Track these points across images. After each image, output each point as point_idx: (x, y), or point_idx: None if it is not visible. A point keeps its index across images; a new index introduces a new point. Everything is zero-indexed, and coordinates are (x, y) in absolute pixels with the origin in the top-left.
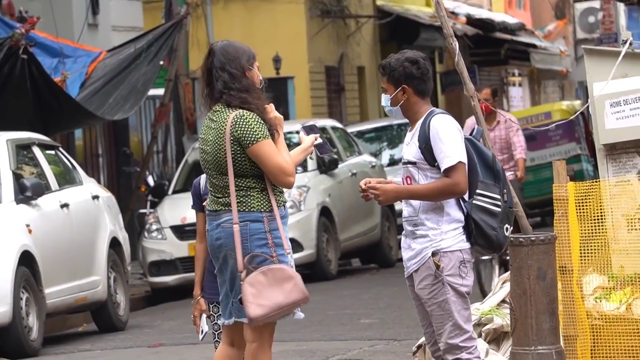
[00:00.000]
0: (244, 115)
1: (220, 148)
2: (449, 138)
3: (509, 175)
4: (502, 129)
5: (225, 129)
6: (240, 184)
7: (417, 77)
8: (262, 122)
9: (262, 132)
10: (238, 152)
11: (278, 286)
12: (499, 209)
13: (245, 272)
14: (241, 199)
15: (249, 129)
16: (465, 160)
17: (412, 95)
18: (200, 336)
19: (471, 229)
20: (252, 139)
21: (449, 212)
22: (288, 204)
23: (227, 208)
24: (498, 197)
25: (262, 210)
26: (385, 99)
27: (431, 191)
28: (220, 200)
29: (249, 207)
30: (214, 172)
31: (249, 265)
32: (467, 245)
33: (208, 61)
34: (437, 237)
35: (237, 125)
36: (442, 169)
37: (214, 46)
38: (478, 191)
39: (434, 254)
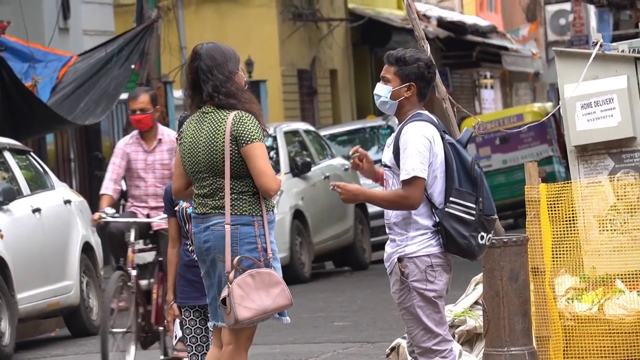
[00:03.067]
0: (242, 116)
1: (217, 148)
2: (412, 150)
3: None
4: (165, 151)
5: (222, 129)
6: (234, 187)
7: (427, 80)
8: (258, 125)
9: (258, 134)
10: (235, 152)
11: (265, 290)
12: (473, 218)
13: (233, 273)
14: (234, 202)
15: (246, 129)
16: (422, 175)
17: (414, 95)
18: (174, 341)
19: (443, 236)
20: (248, 138)
21: (417, 220)
22: None
23: (216, 211)
24: (472, 205)
25: (254, 214)
26: (385, 90)
27: (385, 200)
28: (209, 202)
29: (241, 211)
30: (205, 174)
31: (238, 267)
32: (435, 249)
33: (194, 64)
34: (403, 242)
35: (236, 125)
36: (399, 180)
37: (201, 49)
38: (451, 199)
39: (399, 259)
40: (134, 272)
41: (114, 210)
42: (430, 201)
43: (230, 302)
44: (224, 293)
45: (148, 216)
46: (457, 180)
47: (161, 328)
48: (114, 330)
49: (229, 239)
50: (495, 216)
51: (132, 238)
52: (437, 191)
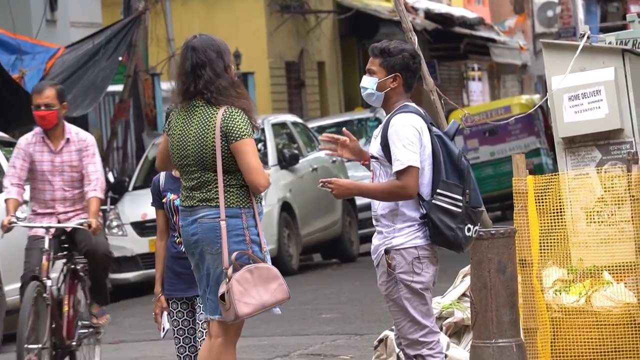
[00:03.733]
0: (232, 111)
1: (206, 143)
2: (403, 141)
3: (74, 223)
4: (74, 152)
5: (212, 124)
6: (223, 180)
7: (412, 70)
8: (248, 120)
9: (248, 130)
10: (225, 148)
11: (263, 285)
12: (460, 210)
13: (231, 269)
14: (219, 194)
15: (236, 125)
16: (416, 164)
17: (400, 86)
18: (162, 333)
19: (430, 227)
20: (238, 134)
21: (404, 211)
22: None
23: (204, 204)
24: (459, 197)
25: (241, 206)
26: (371, 81)
27: (380, 192)
28: (197, 195)
29: (229, 203)
30: (194, 167)
31: (236, 262)
32: (422, 241)
33: (185, 56)
34: (390, 234)
35: (225, 120)
36: (393, 171)
37: (194, 42)
38: (438, 191)
39: (386, 251)
40: (49, 282)
41: (25, 215)
42: (417, 193)
43: (230, 298)
44: (222, 289)
45: (59, 222)
46: (444, 172)
47: (74, 343)
48: (30, 346)
49: (225, 235)
50: (482, 208)
51: (46, 245)
52: (424, 183)
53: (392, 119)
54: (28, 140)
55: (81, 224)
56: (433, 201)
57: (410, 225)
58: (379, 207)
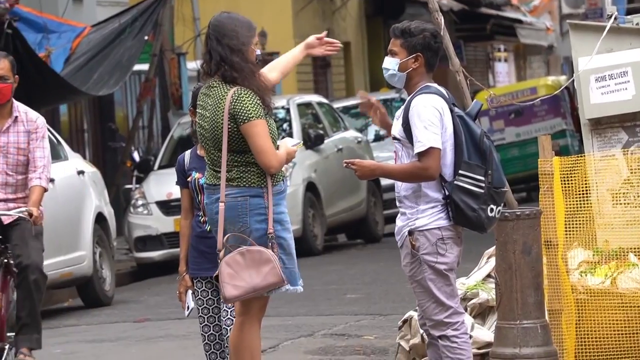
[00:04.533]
0: (241, 93)
1: (218, 124)
2: (424, 122)
3: (15, 211)
4: (22, 132)
5: (223, 105)
6: (239, 160)
7: (434, 49)
8: (259, 101)
9: (256, 112)
10: (235, 129)
11: (255, 268)
12: (482, 190)
13: (223, 251)
14: (241, 174)
15: (244, 107)
16: (438, 145)
17: (422, 66)
18: (186, 312)
19: (452, 209)
20: (246, 116)
21: (427, 192)
22: None
23: (226, 183)
24: (481, 178)
25: (263, 185)
26: (393, 62)
27: (402, 173)
28: (219, 174)
29: (249, 183)
30: (211, 147)
31: (227, 245)
32: (446, 222)
33: (207, 34)
34: (413, 215)
35: (234, 102)
36: (414, 152)
37: (213, 20)
38: (460, 172)
39: (410, 233)
40: None
41: None
42: (440, 174)
43: (220, 280)
44: (218, 271)
45: None
46: (466, 153)
47: (7, 345)
48: None
49: (222, 216)
50: (505, 188)
51: None
52: (446, 164)
53: (413, 100)
54: None
55: (22, 212)
56: (455, 182)
57: (433, 206)
58: (402, 188)
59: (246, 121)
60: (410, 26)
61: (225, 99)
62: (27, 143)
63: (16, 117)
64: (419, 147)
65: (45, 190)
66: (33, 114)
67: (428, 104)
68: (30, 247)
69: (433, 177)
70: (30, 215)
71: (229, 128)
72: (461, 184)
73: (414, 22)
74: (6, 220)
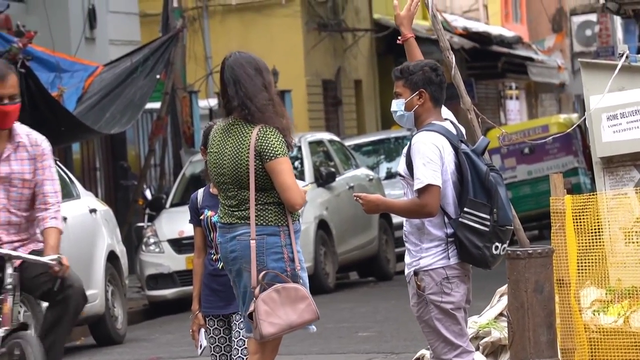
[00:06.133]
0: (267, 131)
1: (242, 162)
2: (423, 159)
3: (47, 258)
4: (26, 160)
5: (247, 143)
6: (259, 198)
7: (436, 83)
8: (283, 139)
9: (282, 149)
10: (259, 166)
11: (291, 305)
12: (487, 229)
13: (258, 288)
14: (259, 212)
15: (270, 144)
16: (436, 182)
17: (427, 101)
18: (199, 350)
19: (457, 246)
20: (272, 154)
21: (430, 230)
22: None
23: (243, 221)
24: (486, 216)
25: (280, 224)
26: (398, 104)
27: (403, 209)
28: (236, 213)
29: (267, 221)
30: (231, 185)
31: (262, 282)
32: (450, 261)
33: (222, 73)
34: (417, 254)
35: (260, 140)
36: (414, 189)
37: (230, 60)
38: (465, 209)
39: (415, 273)
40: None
41: None
42: (443, 211)
43: (255, 317)
44: (251, 308)
45: None
46: (472, 190)
47: None
48: None
49: (254, 254)
50: (511, 226)
51: (9, 279)
52: (449, 201)
53: (414, 137)
54: None
55: (52, 259)
56: (460, 219)
57: (437, 244)
58: (407, 224)
59: (273, 158)
60: (408, 65)
61: (248, 136)
62: (32, 173)
63: (19, 142)
64: (417, 184)
65: (61, 232)
66: (37, 136)
67: (428, 141)
68: (71, 270)
69: (431, 213)
70: (60, 263)
71: (254, 165)
72: (466, 221)
73: (414, 62)
74: (18, 262)
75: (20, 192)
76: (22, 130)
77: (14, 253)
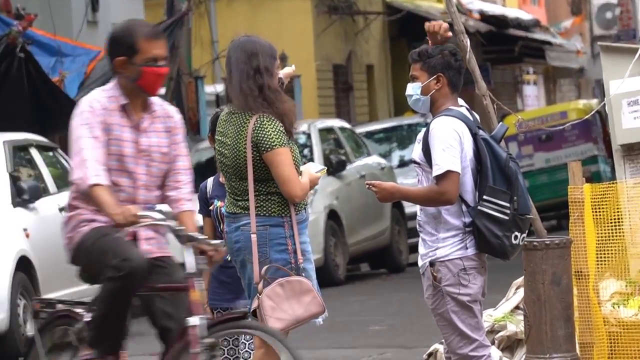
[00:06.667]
0: (263, 121)
1: (240, 152)
2: (441, 145)
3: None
4: (162, 132)
5: (244, 132)
6: (260, 189)
7: (455, 68)
8: (281, 128)
9: (279, 139)
10: (257, 157)
11: (296, 299)
12: (507, 217)
13: (261, 283)
14: (262, 203)
15: (266, 135)
16: (456, 168)
17: (445, 86)
18: None
19: (475, 235)
20: (269, 145)
21: (447, 219)
22: None
23: (246, 212)
24: (506, 204)
25: (283, 215)
26: (414, 88)
27: (420, 196)
28: (240, 203)
29: (270, 212)
30: (232, 175)
31: (265, 277)
32: (468, 251)
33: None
34: (434, 245)
35: (256, 130)
36: (432, 176)
37: (230, 44)
38: (485, 197)
39: (431, 264)
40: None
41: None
42: (461, 199)
43: (260, 314)
44: (254, 304)
45: None
46: (491, 177)
47: None
48: None
49: (256, 248)
50: (531, 215)
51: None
52: (467, 189)
53: (432, 122)
54: (102, 103)
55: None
56: (479, 207)
57: (454, 234)
58: (422, 213)
59: (269, 149)
60: (427, 48)
61: (246, 126)
62: (168, 147)
63: (155, 111)
64: (436, 170)
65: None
66: (169, 107)
67: (447, 127)
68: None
69: (451, 201)
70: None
71: (252, 156)
72: (485, 209)
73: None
74: (155, 253)
75: (159, 168)
76: (155, 100)
77: (199, 236)
